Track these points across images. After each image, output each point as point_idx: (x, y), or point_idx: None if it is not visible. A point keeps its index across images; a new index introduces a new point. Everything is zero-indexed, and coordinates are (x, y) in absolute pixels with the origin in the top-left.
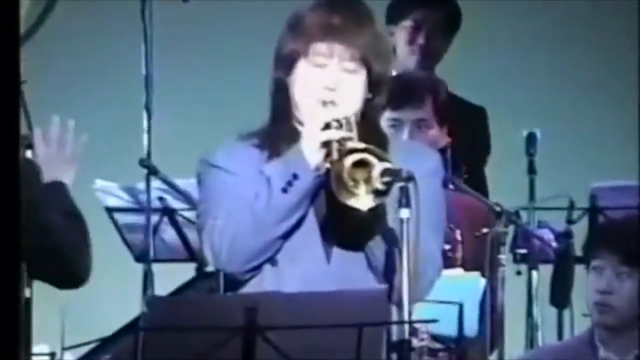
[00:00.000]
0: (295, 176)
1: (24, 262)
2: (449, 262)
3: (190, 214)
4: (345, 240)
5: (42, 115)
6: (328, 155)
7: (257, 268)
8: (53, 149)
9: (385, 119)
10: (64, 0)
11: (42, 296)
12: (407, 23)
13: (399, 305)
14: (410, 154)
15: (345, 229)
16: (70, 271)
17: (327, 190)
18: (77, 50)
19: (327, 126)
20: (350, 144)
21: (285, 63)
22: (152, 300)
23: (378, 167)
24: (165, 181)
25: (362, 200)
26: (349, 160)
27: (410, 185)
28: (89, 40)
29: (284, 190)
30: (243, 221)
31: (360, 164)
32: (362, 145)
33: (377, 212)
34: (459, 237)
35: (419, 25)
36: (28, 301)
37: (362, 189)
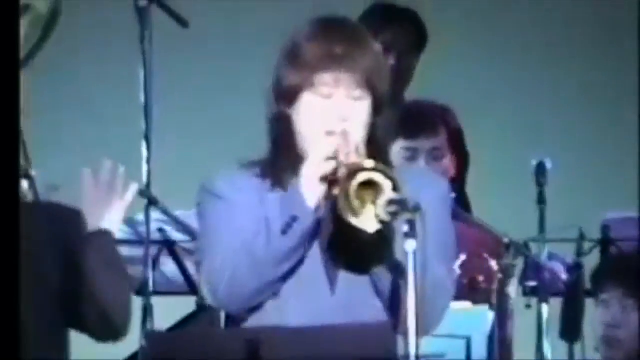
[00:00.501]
0: (294, 218)
1: (63, 311)
2: (483, 295)
3: (190, 246)
4: (351, 265)
5: (42, 146)
6: (332, 184)
7: (257, 308)
8: (102, 194)
9: (400, 148)
10: (61, 28)
11: None
12: None
13: (406, 335)
14: (418, 180)
15: (351, 252)
16: (108, 324)
17: (332, 216)
18: (75, 78)
19: (334, 157)
20: (359, 163)
21: (288, 96)
22: (151, 335)
23: (384, 196)
24: (165, 212)
25: (368, 222)
26: (357, 180)
27: (417, 217)
28: (87, 68)
29: (284, 232)
30: (241, 261)
31: (369, 184)
32: (370, 165)
33: (384, 235)
34: (495, 267)
35: (388, 47)
36: None
37: (369, 210)
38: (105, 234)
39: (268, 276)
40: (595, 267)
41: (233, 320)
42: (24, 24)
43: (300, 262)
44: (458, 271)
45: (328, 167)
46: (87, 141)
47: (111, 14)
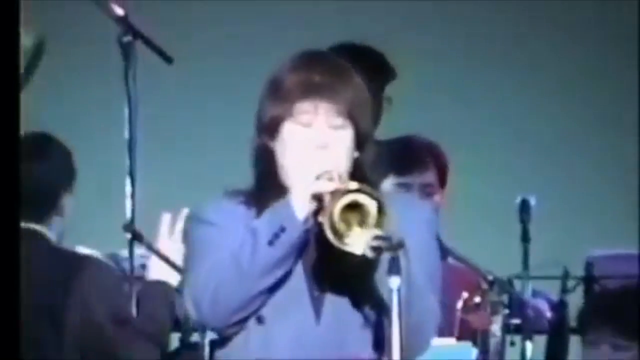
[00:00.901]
0: (282, 229)
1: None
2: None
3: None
4: (337, 292)
5: None
6: (319, 210)
7: (241, 322)
8: (174, 244)
9: (392, 184)
10: (45, 63)
11: None
12: None
13: None
14: (402, 205)
15: (336, 281)
16: None
17: (316, 243)
18: (58, 113)
19: (317, 178)
20: (343, 186)
21: (269, 128)
22: None
23: (370, 217)
24: (149, 248)
25: (355, 245)
26: (342, 202)
27: (400, 254)
28: (70, 103)
29: (270, 243)
30: (227, 272)
31: (353, 207)
32: (354, 186)
33: (369, 260)
34: (480, 304)
35: None
36: None
37: (355, 233)
38: (162, 285)
39: (253, 288)
40: (581, 308)
41: (220, 346)
42: None
43: (286, 275)
44: (459, 310)
45: (320, 184)
46: None
47: (95, 50)
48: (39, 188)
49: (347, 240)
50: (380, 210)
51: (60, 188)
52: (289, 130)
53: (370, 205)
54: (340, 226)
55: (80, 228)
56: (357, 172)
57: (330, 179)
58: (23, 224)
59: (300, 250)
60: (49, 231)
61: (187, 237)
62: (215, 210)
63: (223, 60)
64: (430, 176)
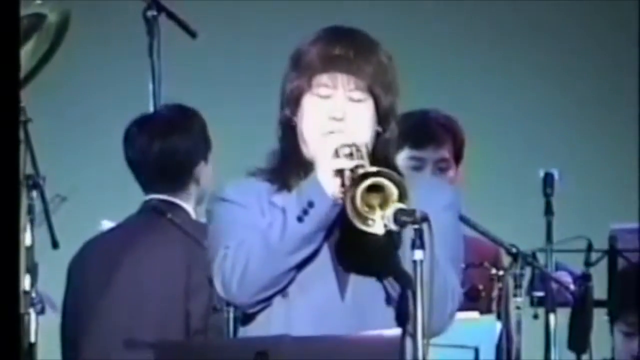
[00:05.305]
0: (311, 204)
1: None
2: (483, 303)
3: None
4: (361, 270)
5: (49, 156)
6: (342, 185)
7: (268, 300)
8: None
9: (406, 158)
10: (71, 39)
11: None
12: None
13: (414, 341)
14: (425, 188)
15: (360, 258)
16: None
17: (341, 221)
18: (84, 87)
19: (336, 153)
20: (362, 169)
21: (291, 101)
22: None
23: (392, 199)
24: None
25: (377, 226)
26: (363, 186)
27: (425, 227)
28: (95, 79)
29: (300, 219)
30: (256, 251)
31: (374, 188)
32: (374, 169)
33: (394, 238)
34: (495, 276)
35: None
36: (32, 346)
37: (377, 214)
38: None
39: (281, 266)
40: (611, 293)
41: (243, 320)
42: (34, 34)
43: (315, 253)
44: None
45: (340, 161)
46: (95, 154)
47: (119, 26)
48: (179, 159)
49: (369, 221)
50: (401, 192)
51: (198, 157)
52: (308, 102)
53: (391, 187)
54: (362, 208)
55: (105, 202)
56: (379, 147)
57: (349, 155)
58: (166, 197)
59: (328, 226)
60: (187, 199)
61: (210, 216)
62: (236, 188)
63: (248, 34)
64: (445, 152)
